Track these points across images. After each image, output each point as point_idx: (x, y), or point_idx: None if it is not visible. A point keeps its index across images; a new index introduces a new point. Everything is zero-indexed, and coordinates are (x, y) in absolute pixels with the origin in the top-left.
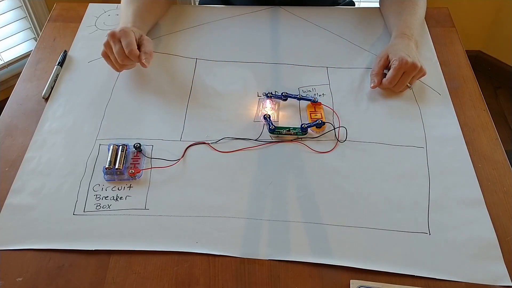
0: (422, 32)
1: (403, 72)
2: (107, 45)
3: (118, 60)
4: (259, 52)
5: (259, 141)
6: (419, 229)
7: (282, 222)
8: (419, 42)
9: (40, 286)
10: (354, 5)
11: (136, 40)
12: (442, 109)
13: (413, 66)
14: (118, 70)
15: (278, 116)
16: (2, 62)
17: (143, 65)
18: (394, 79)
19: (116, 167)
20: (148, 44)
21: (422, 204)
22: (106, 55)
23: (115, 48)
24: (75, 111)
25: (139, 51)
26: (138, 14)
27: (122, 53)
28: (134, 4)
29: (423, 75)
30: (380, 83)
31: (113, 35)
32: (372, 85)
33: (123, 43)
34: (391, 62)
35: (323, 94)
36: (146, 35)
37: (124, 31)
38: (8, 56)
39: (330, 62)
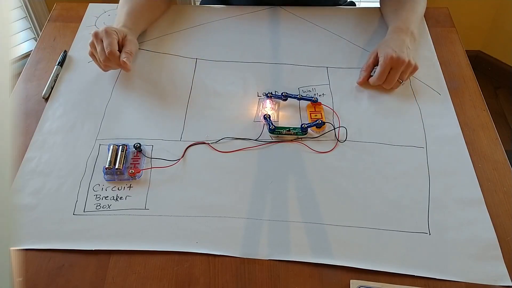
0: (421, 27)
1: (391, 68)
2: (91, 45)
3: (101, 60)
4: (259, 52)
5: (259, 141)
6: (419, 229)
7: (282, 222)
8: (417, 35)
9: (40, 286)
10: (355, 5)
11: (119, 40)
12: (442, 109)
13: (399, 60)
14: (104, 70)
15: (278, 116)
16: None
17: (124, 65)
18: (381, 75)
19: (116, 167)
20: (129, 44)
21: (422, 204)
22: (92, 55)
23: (98, 48)
24: (75, 111)
25: (122, 51)
26: (130, 15)
27: (103, 53)
28: (128, 5)
29: (414, 69)
30: (366, 79)
31: (96, 35)
32: (358, 81)
33: (104, 44)
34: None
35: (323, 94)
36: (142, 35)
37: (106, 32)
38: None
39: (330, 62)
